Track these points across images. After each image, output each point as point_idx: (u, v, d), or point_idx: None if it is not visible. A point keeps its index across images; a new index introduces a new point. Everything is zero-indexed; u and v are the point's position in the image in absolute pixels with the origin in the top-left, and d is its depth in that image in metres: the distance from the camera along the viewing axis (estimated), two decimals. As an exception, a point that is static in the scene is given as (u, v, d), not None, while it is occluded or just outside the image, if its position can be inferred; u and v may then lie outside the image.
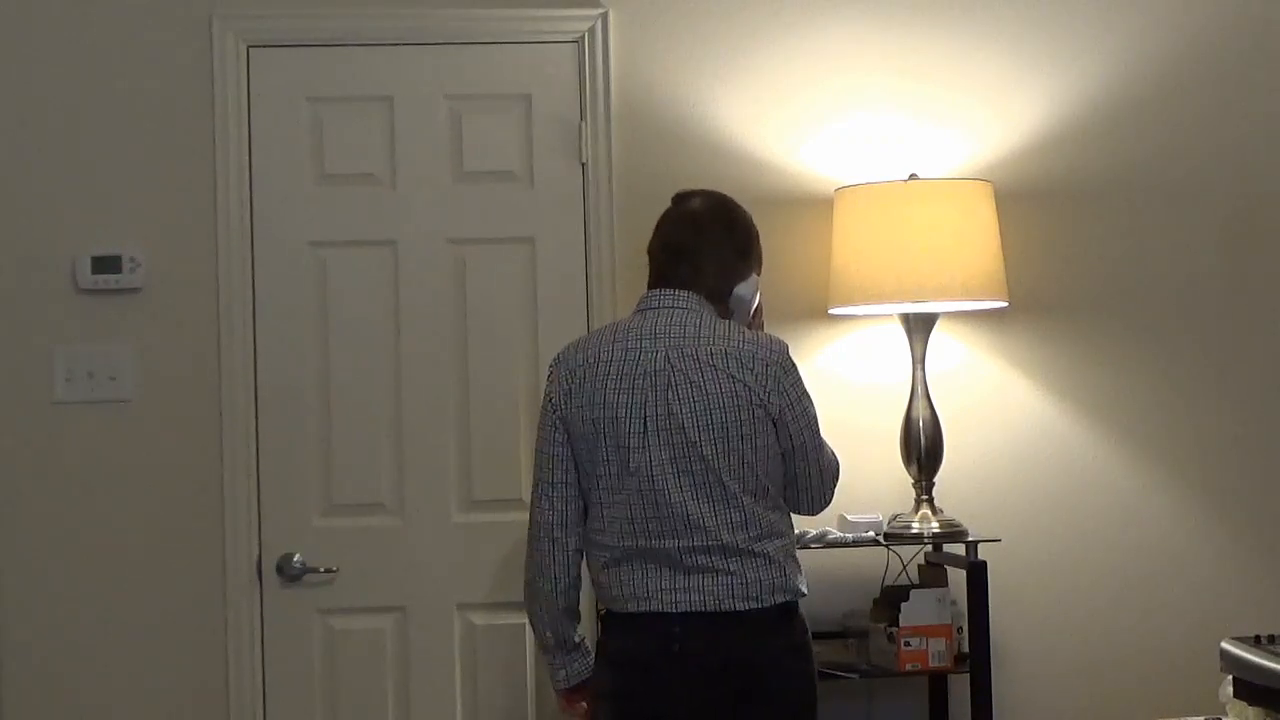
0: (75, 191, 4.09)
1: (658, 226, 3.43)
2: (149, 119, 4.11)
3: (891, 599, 3.97)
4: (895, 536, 3.99)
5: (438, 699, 4.12)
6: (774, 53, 4.23)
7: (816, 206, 4.17)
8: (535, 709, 4.13)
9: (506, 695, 4.13)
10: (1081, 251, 4.28)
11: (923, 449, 4.02)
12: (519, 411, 4.15)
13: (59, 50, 4.10)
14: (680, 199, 3.44)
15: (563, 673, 3.40)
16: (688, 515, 3.21)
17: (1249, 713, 3.20)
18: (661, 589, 3.22)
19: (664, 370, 3.24)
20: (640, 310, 3.36)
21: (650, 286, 3.39)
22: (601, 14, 4.18)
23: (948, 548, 4.06)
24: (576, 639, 3.39)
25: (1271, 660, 3.14)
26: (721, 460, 3.21)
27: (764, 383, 3.25)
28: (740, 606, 3.21)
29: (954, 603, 3.95)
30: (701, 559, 3.21)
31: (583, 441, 3.28)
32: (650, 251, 3.42)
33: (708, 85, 4.21)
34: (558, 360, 3.36)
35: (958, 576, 3.96)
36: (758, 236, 3.45)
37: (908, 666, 3.91)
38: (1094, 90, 4.29)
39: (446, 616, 4.13)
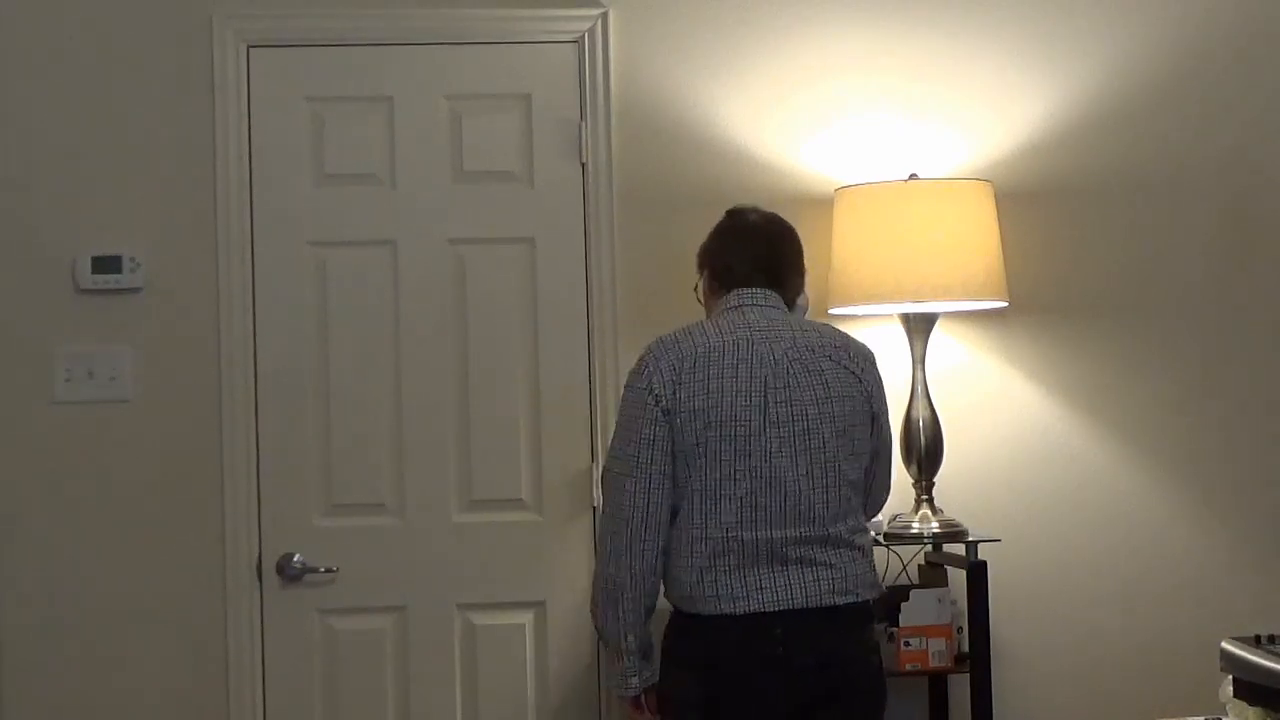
0: (75, 191, 4.09)
1: (721, 237, 3.49)
2: (149, 119, 4.11)
3: (891, 599, 3.96)
4: (895, 536, 3.99)
5: (438, 699, 4.12)
6: (774, 53, 4.23)
7: (816, 206, 4.17)
8: (535, 709, 4.13)
9: (506, 695, 4.13)
10: (1081, 251, 4.28)
11: (923, 449, 4.02)
12: (519, 411, 4.15)
13: (59, 50, 4.10)
14: (740, 212, 3.52)
15: (636, 679, 3.34)
16: (800, 499, 3.24)
17: (1249, 713, 3.19)
18: (761, 587, 3.22)
19: (783, 359, 3.29)
20: (734, 307, 3.39)
21: (725, 288, 3.44)
22: (601, 14, 4.18)
23: (948, 548, 4.06)
24: (652, 642, 3.36)
25: (1271, 660, 3.13)
26: (838, 446, 3.27)
27: (867, 376, 3.36)
28: (839, 601, 3.25)
29: (954, 603, 3.95)
30: (804, 550, 3.24)
31: (688, 432, 3.25)
32: (713, 259, 3.47)
33: (707, 85, 4.21)
34: (653, 355, 3.33)
35: (958, 576, 3.95)
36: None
37: (908, 666, 3.91)
38: (1094, 90, 4.29)
39: (446, 616, 4.13)
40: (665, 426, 3.26)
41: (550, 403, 4.13)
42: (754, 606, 3.21)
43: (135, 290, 4.08)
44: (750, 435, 3.24)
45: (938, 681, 4.09)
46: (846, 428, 3.28)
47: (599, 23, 4.17)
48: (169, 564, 4.06)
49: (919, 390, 4.04)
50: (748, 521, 3.23)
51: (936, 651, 3.91)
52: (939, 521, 4.00)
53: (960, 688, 3.99)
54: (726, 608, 3.22)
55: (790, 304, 3.47)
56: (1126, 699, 4.16)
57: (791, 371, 3.27)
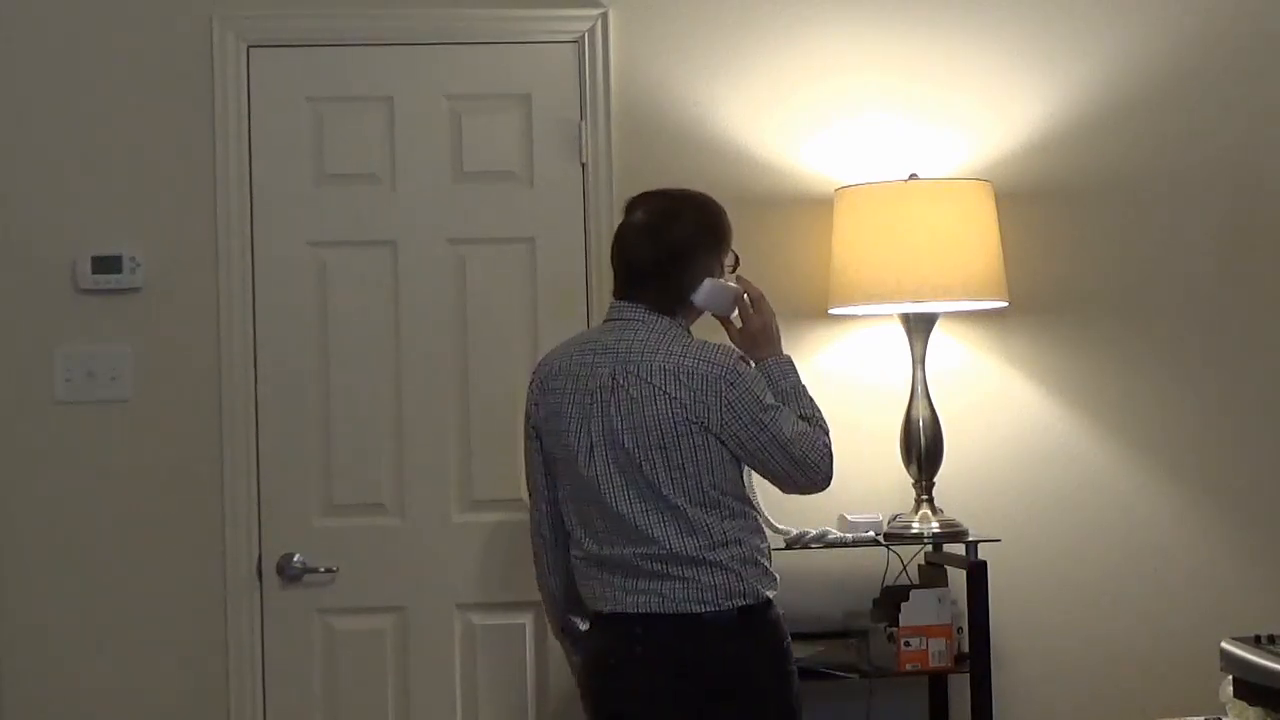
0: (75, 191, 4.09)
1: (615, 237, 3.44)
2: (149, 119, 4.11)
3: (891, 599, 3.97)
4: (895, 536, 3.99)
5: (438, 699, 4.12)
6: (774, 53, 4.23)
7: (816, 206, 4.17)
8: (535, 709, 4.13)
9: (506, 695, 4.13)
10: (1081, 251, 4.28)
11: (923, 449, 4.02)
12: (519, 411, 4.12)
13: (59, 50, 4.10)
14: (628, 209, 3.43)
15: (575, 658, 3.50)
16: (636, 526, 3.24)
17: (1249, 713, 3.20)
18: (625, 589, 3.26)
19: (607, 385, 3.27)
20: (605, 321, 3.41)
21: (613, 295, 3.41)
22: (601, 14, 4.18)
23: (948, 548, 4.06)
24: (583, 626, 3.44)
25: (1271, 660, 3.13)
26: (660, 474, 3.23)
27: (702, 399, 3.23)
28: (696, 609, 3.23)
29: (954, 603, 3.95)
30: (658, 566, 3.24)
31: (547, 446, 3.36)
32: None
33: (708, 85, 4.21)
34: (534, 372, 3.44)
35: (958, 576, 3.96)
36: (709, 238, 3.37)
37: (908, 666, 3.91)
38: (1094, 90, 4.29)
39: (446, 616, 4.13)
40: (538, 440, 3.39)
41: (550, 403, 4.13)
42: (617, 607, 3.27)
43: (135, 290, 4.08)
44: (579, 458, 3.27)
45: (938, 681, 4.09)
46: (667, 450, 3.22)
47: (599, 23, 4.17)
48: (169, 564, 4.06)
49: (919, 390, 4.04)
50: (599, 539, 3.28)
51: (936, 651, 3.92)
52: (939, 521, 4.00)
53: (960, 688, 3.99)
54: (600, 606, 3.31)
55: (673, 303, 3.33)
56: (1126, 699, 4.16)
57: (615, 397, 3.25)
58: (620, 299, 3.38)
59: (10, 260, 4.07)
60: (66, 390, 4.06)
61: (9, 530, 4.04)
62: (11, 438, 4.05)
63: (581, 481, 3.28)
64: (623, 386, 3.26)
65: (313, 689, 4.10)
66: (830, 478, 3.36)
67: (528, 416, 3.40)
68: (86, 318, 4.07)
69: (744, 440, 3.26)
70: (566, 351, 3.39)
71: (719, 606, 3.24)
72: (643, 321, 3.32)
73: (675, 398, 3.23)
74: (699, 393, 3.24)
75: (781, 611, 3.34)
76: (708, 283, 3.36)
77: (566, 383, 3.32)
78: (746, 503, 3.35)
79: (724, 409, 3.24)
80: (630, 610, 3.25)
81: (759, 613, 3.29)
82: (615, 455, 3.24)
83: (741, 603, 3.26)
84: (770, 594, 3.31)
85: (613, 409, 3.25)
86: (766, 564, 3.33)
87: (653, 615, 3.24)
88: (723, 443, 3.25)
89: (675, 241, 3.34)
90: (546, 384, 3.36)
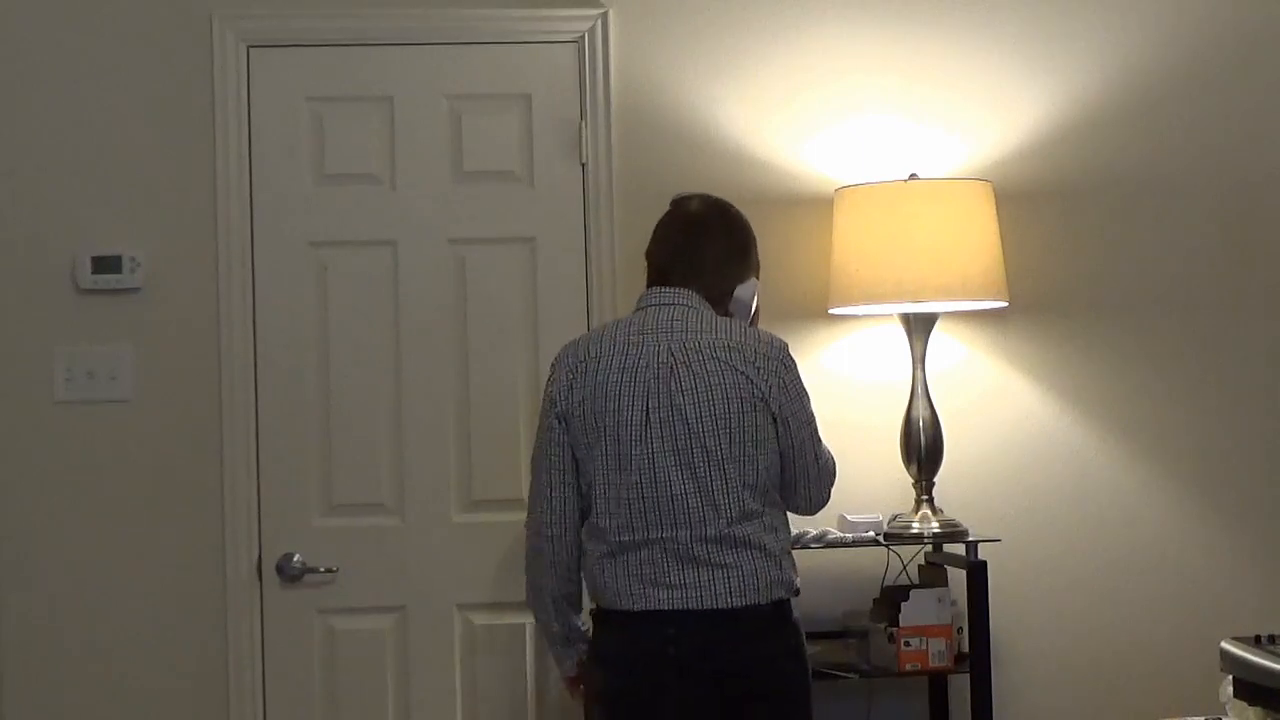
0: (75, 191, 4.09)
1: (656, 229, 3.47)
2: (149, 119, 4.11)
3: (891, 599, 3.97)
4: (895, 536, 3.99)
5: (438, 699, 4.12)
6: (775, 53, 4.23)
7: (816, 206, 4.17)
8: (535, 709, 4.13)
9: (506, 695, 4.13)
10: (1081, 251, 4.28)
11: (923, 449, 4.02)
12: (519, 411, 4.15)
13: (59, 50, 4.10)
14: (678, 202, 3.49)
15: (569, 663, 3.46)
16: (687, 506, 3.23)
17: (1249, 713, 3.20)
18: (657, 584, 3.23)
19: (666, 361, 3.27)
20: (640, 308, 3.40)
21: (649, 286, 3.41)
22: (601, 14, 4.18)
23: (948, 548, 4.06)
24: (582, 628, 3.43)
25: (1271, 660, 3.14)
26: (725, 449, 3.24)
27: (766, 377, 3.28)
28: (736, 603, 3.22)
29: (954, 603, 3.95)
30: (699, 550, 3.22)
31: (582, 435, 3.30)
32: (648, 255, 3.46)
33: (708, 85, 4.21)
34: (558, 359, 3.40)
35: (958, 576, 3.96)
36: (755, 240, 3.49)
37: (908, 666, 3.91)
38: (1094, 90, 4.29)
39: (446, 616, 4.13)
40: (563, 429, 3.33)
41: (550, 403, 4.13)
42: (649, 605, 3.24)
43: (135, 290, 4.08)
44: (633, 439, 3.25)
45: (938, 681, 4.10)
46: (733, 428, 3.24)
47: (599, 23, 4.17)
48: (169, 564, 4.06)
49: (919, 390, 4.04)
50: (638, 523, 3.25)
51: (936, 651, 3.92)
52: (939, 521, 4.00)
53: (960, 688, 3.99)
54: (624, 604, 3.26)
55: (718, 297, 3.40)
56: (1126, 699, 4.16)
57: (675, 374, 3.26)
58: (663, 286, 3.38)
59: (10, 260, 4.07)
60: (66, 390, 4.06)
61: (9, 530, 4.04)
62: (11, 438, 4.05)
63: (628, 461, 3.25)
64: (684, 362, 3.26)
65: (313, 689, 4.10)
66: (827, 501, 3.48)
67: (551, 405, 3.34)
68: (86, 318, 4.07)
69: (793, 426, 3.31)
70: (600, 337, 3.37)
71: (759, 599, 3.24)
72: (690, 306, 3.35)
73: (742, 372, 3.27)
74: (762, 370, 3.29)
75: (798, 613, 3.36)
76: (754, 280, 3.45)
77: (614, 361, 3.29)
78: (780, 496, 3.37)
79: (782, 389, 3.30)
80: (664, 608, 3.23)
81: (787, 609, 3.30)
82: (675, 430, 3.24)
83: (779, 594, 3.27)
84: (799, 586, 3.33)
85: (674, 384, 3.25)
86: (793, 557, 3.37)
87: (687, 613, 3.22)
88: (775, 425, 3.28)
89: (743, 234, 3.46)
90: (581, 367, 3.32)
